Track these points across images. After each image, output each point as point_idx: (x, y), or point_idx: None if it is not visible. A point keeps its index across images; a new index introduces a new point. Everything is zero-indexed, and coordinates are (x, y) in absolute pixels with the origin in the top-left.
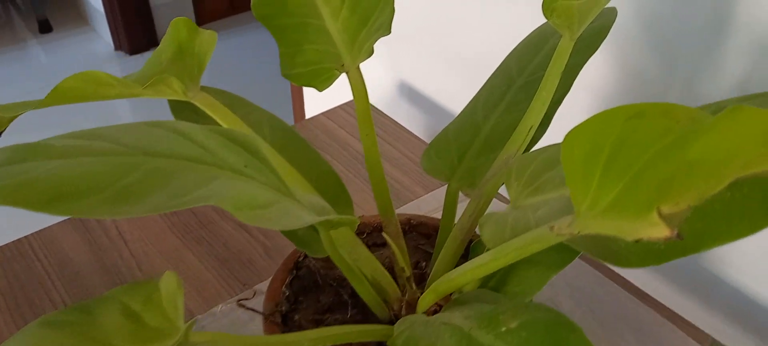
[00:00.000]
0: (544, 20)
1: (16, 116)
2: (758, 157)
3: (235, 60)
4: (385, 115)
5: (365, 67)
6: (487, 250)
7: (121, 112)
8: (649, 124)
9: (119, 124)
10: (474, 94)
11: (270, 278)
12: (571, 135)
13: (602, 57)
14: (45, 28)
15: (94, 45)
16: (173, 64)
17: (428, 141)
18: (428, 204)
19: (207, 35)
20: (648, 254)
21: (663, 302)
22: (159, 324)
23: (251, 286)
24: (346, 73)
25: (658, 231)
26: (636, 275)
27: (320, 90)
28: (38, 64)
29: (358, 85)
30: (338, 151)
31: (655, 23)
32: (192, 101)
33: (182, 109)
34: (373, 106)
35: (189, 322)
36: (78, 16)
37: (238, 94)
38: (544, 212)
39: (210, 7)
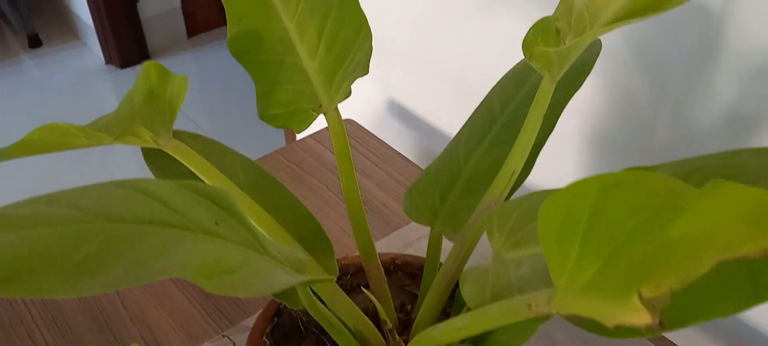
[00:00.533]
0: None
1: None
2: (742, 238)
3: (227, 71)
4: (374, 136)
5: (355, 85)
6: (468, 308)
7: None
8: (626, 197)
9: (81, 187)
10: (462, 115)
11: (256, 314)
12: (547, 206)
13: (590, 80)
14: (35, 42)
15: (85, 59)
16: (145, 108)
17: (417, 162)
18: (417, 230)
19: (178, 80)
20: (630, 330)
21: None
22: None
23: (238, 322)
24: (324, 114)
25: (638, 317)
26: None
27: (297, 132)
28: (30, 79)
29: (337, 128)
30: (326, 175)
31: (644, 47)
32: (164, 149)
33: (155, 156)
34: (362, 127)
35: None
36: (68, 31)
37: (235, 128)
38: (526, 270)
39: (201, 18)
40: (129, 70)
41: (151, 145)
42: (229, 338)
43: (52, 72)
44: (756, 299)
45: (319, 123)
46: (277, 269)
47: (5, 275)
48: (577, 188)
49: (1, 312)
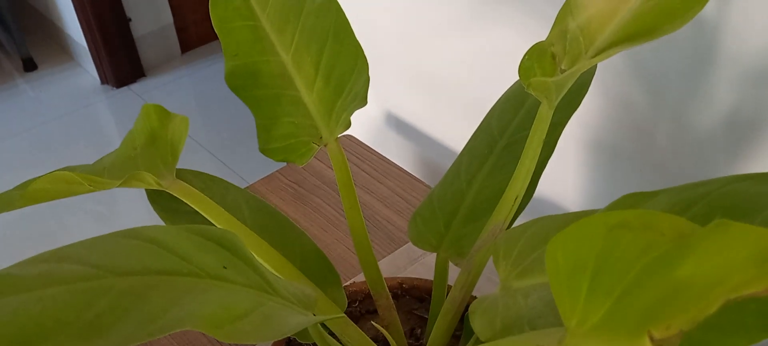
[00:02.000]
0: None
1: None
2: (750, 278)
3: (222, 85)
4: (374, 151)
5: None
6: (476, 341)
7: (113, 141)
8: (632, 238)
9: (90, 240)
10: (466, 127)
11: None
12: (554, 246)
13: (588, 91)
14: (30, 66)
15: (80, 80)
16: (146, 151)
17: (418, 175)
18: None
19: (178, 121)
20: None
21: None
22: None
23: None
24: (325, 146)
25: None
26: None
27: (299, 164)
28: (26, 102)
29: (338, 158)
30: (328, 194)
31: (640, 55)
32: (168, 191)
33: (159, 197)
34: (361, 143)
35: None
36: (62, 52)
37: (233, 143)
38: (535, 301)
39: (194, 33)
40: (124, 89)
41: (155, 187)
42: None
43: (49, 94)
44: (766, 334)
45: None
46: (287, 309)
47: (20, 338)
48: (583, 229)
49: None
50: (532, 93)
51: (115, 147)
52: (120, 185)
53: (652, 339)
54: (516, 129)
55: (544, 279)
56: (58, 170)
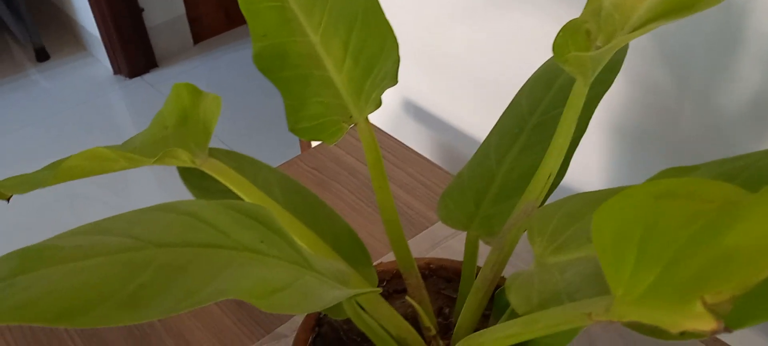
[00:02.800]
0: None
1: (15, 194)
2: None
3: (235, 76)
4: (393, 137)
5: None
6: (512, 312)
7: (126, 131)
8: (678, 207)
9: (130, 213)
10: (484, 112)
11: (291, 320)
12: (600, 216)
13: None
14: (42, 56)
15: (93, 70)
16: (178, 130)
17: (439, 163)
18: (444, 229)
19: (211, 100)
20: (693, 335)
21: None
22: None
23: (272, 329)
24: (355, 125)
25: (703, 323)
26: None
27: (329, 143)
28: (39, 92)
29: (368, 138)
30: (347, 179)
31: (666, 36)
32: (201, 168)
33: (191, 175)
34: (380, 129)
35: None
36: (75, 42)
37: (248, 131)
38: (573, 275)
39: (207, 23)
40: (137, 79)
41: (189, 164)
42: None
43: (61, 84)
44: None
45: None
46: (324, 284)
47: (62, 309)
48: (628, 199)
49: (35, 326)
50: (568, 69)
51: (128, 137)
52: (154, 162)
53: (704, 304)
54: (547, 108)
55: (581, 254)
56: (92, 148)
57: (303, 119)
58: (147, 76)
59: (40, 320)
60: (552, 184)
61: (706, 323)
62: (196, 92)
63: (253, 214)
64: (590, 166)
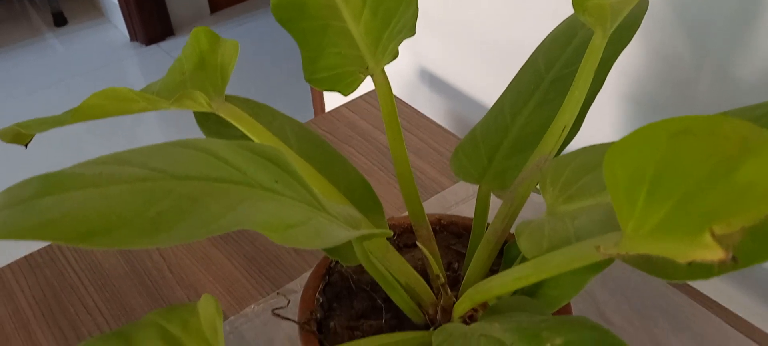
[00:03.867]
0: (570, 4)
1: (36, 133)
2: None
3: (251, 48)
4: (407, 104)
5: None
6: (523, 257)
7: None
8: (696, 143)
9: (148, 147)
10: (498, 81)
11: (301, 276)
12: (612, 152)
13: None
14: (60, 20)
15: (110, 36)
16: (196, 74)
17: (451, 130)
18: (455, 194)
19: (229, 45)
20: (696, 269)
21: (698, 289)
22: None
23: (281, 285)
24: (371, 76)
25: (711, 253)
26: None
27: (345, 94)
28: (55, 57)
29: (384, 89)
30: (361, 144)
31: (686, 7)
32: (217, 113)
33: (208, 120)
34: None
35: (239, 330)
36: (92, 8)
37: (260, 101)
38: (584, 221)
39: None
40: (154, 47)
41: (206, 109)
42: (284, 295)
43: (78, 50)
44: None
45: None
46: (335, 224)
47: (84, 230)
48: (644, 135)
49: (51, 278)
50: (587, 20)
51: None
52: (172, 103)
53: (713, 236)
54: (564, 65)
55: (593, 202)
56: (112, 87)
57: (320, 70)
58: (163, 44)
59: (61, 238)
60: (566, 138)
61: (715, 254)
62: (214, 37)
63: (267, 155)
64: (605, 136)
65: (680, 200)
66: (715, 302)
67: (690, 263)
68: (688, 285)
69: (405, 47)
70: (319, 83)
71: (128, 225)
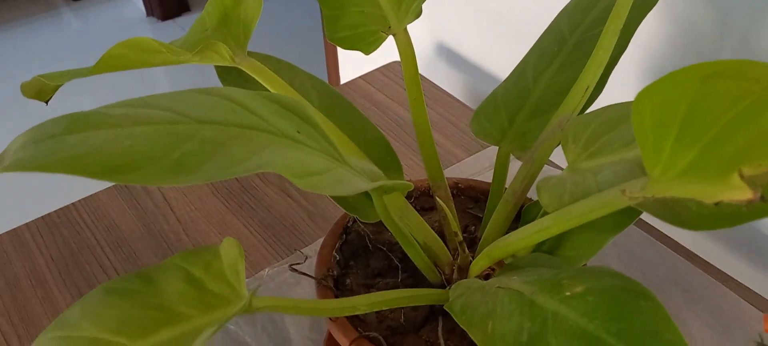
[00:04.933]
0: None
1: (61, 85)
2: None
3: (266, 24)
4: (425, 78)
5: None
6: (543, 214)
7: (156, 73)
8: (726, 86)
9: (172, 92)
10: (516, 55)
11: (316, 242)
12: (642, 96)
13: (653, 12)
14: None
15: (126, 11)
16: (218, 31)
17: (468, 104)
18: (471, 167)
19: (252, 1)
20: (720, 217)
21: (714, 264)
22: (222, 290)
23: (295, 251)
24: (393, 36)
25: (739, 193)
26: (686, 237)
27: (366, 53)
28: (71, 32)
29: (406, 49)
30: (377, 116)
31: None
32: (239, 67)
33: (229, 75)
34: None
35: (253, 287)
36: None
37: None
38: (606, 175)
39: None
40: (169, 22)
41: (229, 62)
42: (300, 252)
43: (93, 24)
44: None
45: (369, 64)
46: (356, 176)
47: (110, 165)
48: (674, 79)
49: (68, 237)
50: None
51: (157, 79)
52: (194, 55)
53: (741, 176)
54: (587, 27)
55: (615, 158)
56: (136, 37)
57: (342, 29)
58: (179, 20)
59: (87, 172)
60: (589, 99)
61: (744, 193)
62: None
63: (290, 106)
64: None
65: (709, 143)
66: (730, 276)
67: (717, 204)
68: (704, 260)
69: (423, 21)
70: (340, 42)
71: (154, 163)
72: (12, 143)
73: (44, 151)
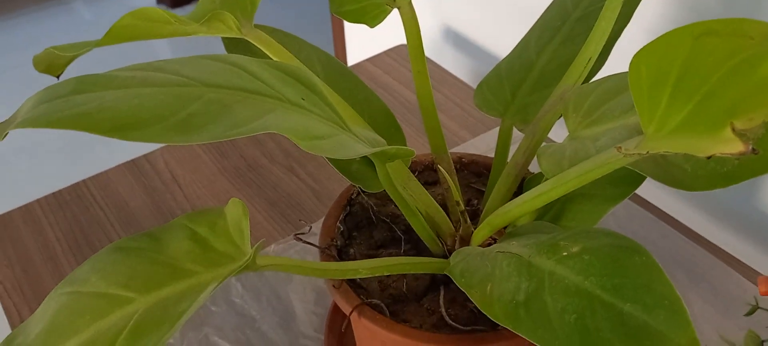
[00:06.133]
0: None
1: (74, 57)
2: None
3: (276, 10)
4: (431, 60)
5: None
6: (544, 181)
7: (161, 55)
8: (720, 43)
9: (179, 58)
10: (521, 36)
11: (321, 220)
12: (638, 56)
13: None
14: None
15: (137, 0)
16: (226, 2)
17: (474, 86)
18: (475, 147)
19: None
20: (715, 176)
21: (716, 244)
22: (226, 248)
23: (301, 229)
24: (398, 9)
25: (731, 146)
26: (689, 217)
27: (371, 26)
28: (82, 21)
29: (410, 21)
30: (384, 97)
31: None
32: (246, 38)
33: (236, 47)
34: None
35: (256, 245)
36: None
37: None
38: (605, 141)
39: None
40: (179, 10)
41: (235, 33)
42: (305, 222)
43: (104, 12)
44: None
45: (377, 46)
46: (359, 142)
47: (118, 123)
48: (669, 38)
49: (78, 213)
50: None
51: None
52: (202, 25)
53: (734, 130)
54: (591, 1)
55: (615, 125)
56: (145, 7)
57: (347, 2)
58: (189, 8)
59: (95, 129)
60: (590, 71)
61: (735, 146)
62: None
63: (295, 74)
64: None
65: (702, 99)
66: (733, 256)
67: (710, 158)
68: (707, 241)
69: (428, 6)
70: (346, 15)
71: (161, 122)
72: (24, 104)
73: (53, 109)
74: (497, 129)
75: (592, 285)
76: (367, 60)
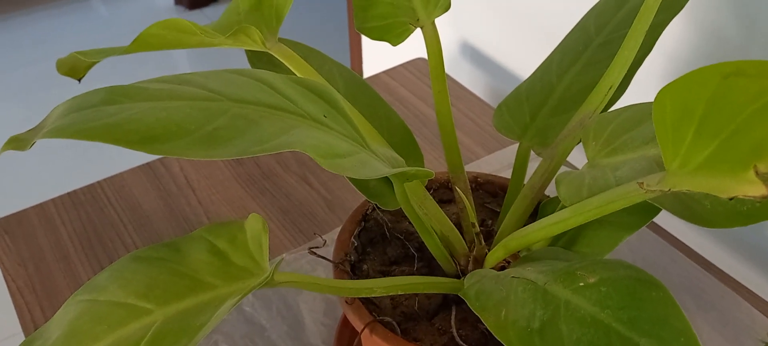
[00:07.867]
0: None
1: (95, 62)
2: None
3: (293, 14)
4: (448, 75)
5: None
6: (561, 209)
7: (182, 62)
8: (748, 84)
9: (205, 71)
10: (540, 56)
11: (333, 230)
12: (664, 91)
13: (678, 20)
14: None
15: (154, 0)
16: (251, 15)
17: (491, 103)
18: (490, 165)
19: None
20: (735, 214)
21: (727, 272)
22: (245, 263)
23: (313, 239)
24: (421, 28)
25: (754, 189)
26: (700, 244)
27: (394, 45)
28: (99, 19)
29: (433, 41)
30: (400, 110)
31: None
32: (270, 52)
33: (259, 60)
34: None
35: (275, 262)
36: None
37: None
38: (625, 171)
39: None
40: (197, 12)
41: (260, 47)
42: (320, 236)
43: (121, 12)
44: None
45: (393, 56)
46: (379, 161)
47: (146, 135)
48: (695, 76)
49: (92, 213)
50: None
51: (186, 69)
52: (227, 38)
53: (757, 172)
54: (614, 28)
55: (635, 155)
56: (172, 18)
57: (371, 19)
58: (207, 10)
59: (124, 141)
60: (612, 98)
61: (758, 190)
62: None
63: (318, 90)
64: None
65: (726, 139)
66: (743, 285)
67: (732, 199)
68: (718, 268)
69: (448, 19)
70: (369, 32)
71: (187, 136)
72: (52, 112)
73: (83, 119)
74: (512, 146)
75: (608, 317)
76: (385, 72)
